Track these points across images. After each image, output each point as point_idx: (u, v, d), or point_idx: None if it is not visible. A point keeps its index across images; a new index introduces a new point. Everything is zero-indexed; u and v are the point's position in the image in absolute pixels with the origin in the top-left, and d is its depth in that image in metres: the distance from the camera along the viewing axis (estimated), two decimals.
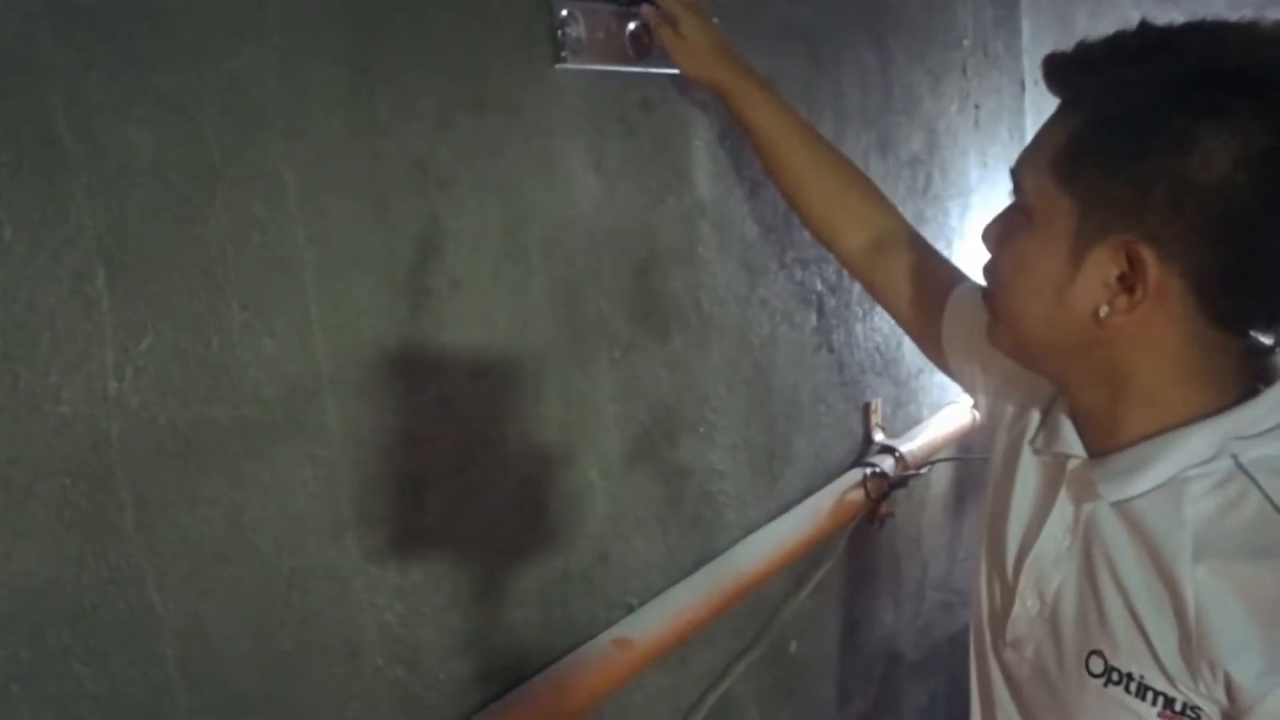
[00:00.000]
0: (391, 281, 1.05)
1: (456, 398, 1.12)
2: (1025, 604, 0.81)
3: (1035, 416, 0.88)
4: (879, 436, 1.92)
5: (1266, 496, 0.67)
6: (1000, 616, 0.86)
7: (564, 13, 1.20)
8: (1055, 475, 0.82)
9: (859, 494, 1.76)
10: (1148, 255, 0.68)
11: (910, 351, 2.12)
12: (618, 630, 1.34)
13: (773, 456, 1.68)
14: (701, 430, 1.51)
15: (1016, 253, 0.74)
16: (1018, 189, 0.75)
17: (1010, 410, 0.92)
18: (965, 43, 2.27)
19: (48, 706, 0.81)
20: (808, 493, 1.74)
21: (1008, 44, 2.45)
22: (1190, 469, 0.70)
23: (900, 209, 1.22)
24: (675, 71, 1.28)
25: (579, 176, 1.27)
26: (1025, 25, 2.50)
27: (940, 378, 2.19)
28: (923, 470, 1.95)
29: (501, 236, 1.16)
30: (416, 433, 1.08)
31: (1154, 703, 0.71)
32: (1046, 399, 0.88)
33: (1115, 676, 0.73)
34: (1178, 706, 0.70)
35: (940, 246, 2.17)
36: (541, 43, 1.20)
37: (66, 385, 0.80)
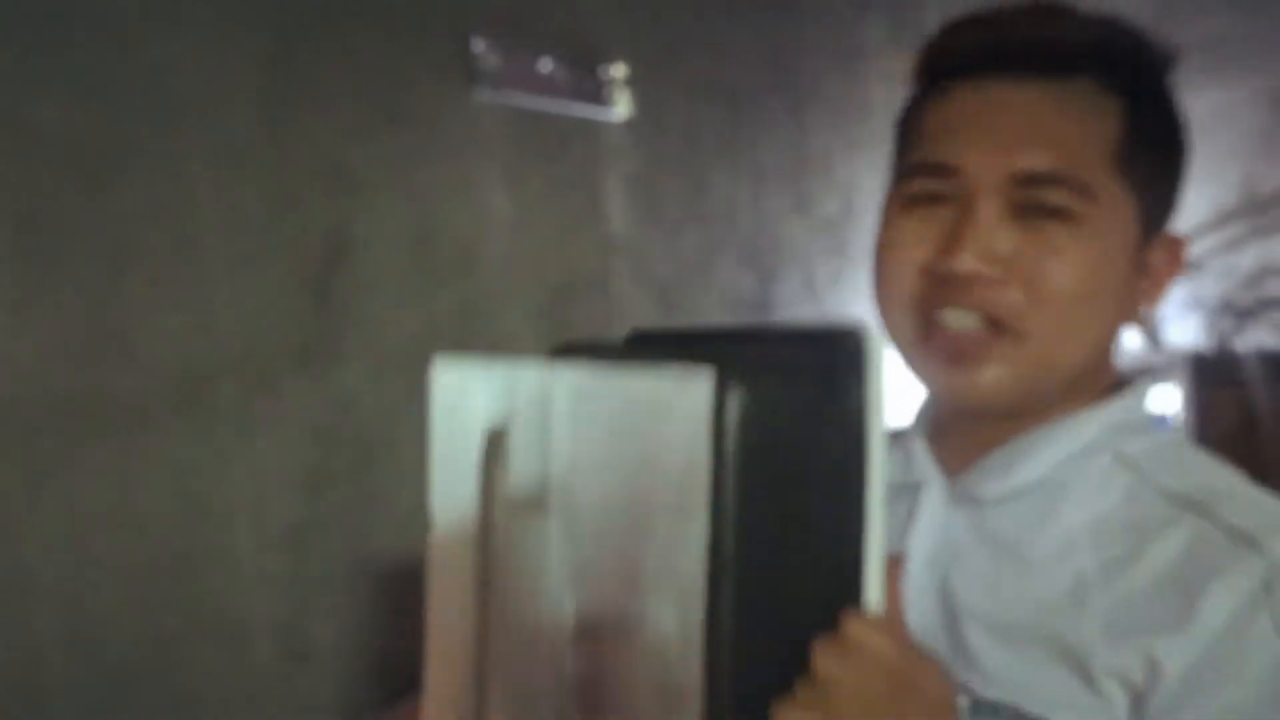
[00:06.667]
0: (300, 276, 1.08)
1: (362, 398, 1.14)
2: None
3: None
4: None
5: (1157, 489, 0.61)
6: None
7: (480, 46, 1.28)
8: (906, 509, 0.67)
9: None
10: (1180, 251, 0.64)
11: None
12: None
13: None
14: None
15: (1076, 261, 0.60)
16: (1052, 185, 0.61)
17: None
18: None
19: None
20: None
21: None
22: (1069, 462, 0.63)
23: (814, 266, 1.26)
24: (588, 117, 1.34)
25: (494, 198, 1.32)
26: None
27: None
28: None
29: (411, 247, 1.21)
30: (316, 425, 1.10)
31: None
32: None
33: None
34: None
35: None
36: (459, 69, 1.26)
37: None
